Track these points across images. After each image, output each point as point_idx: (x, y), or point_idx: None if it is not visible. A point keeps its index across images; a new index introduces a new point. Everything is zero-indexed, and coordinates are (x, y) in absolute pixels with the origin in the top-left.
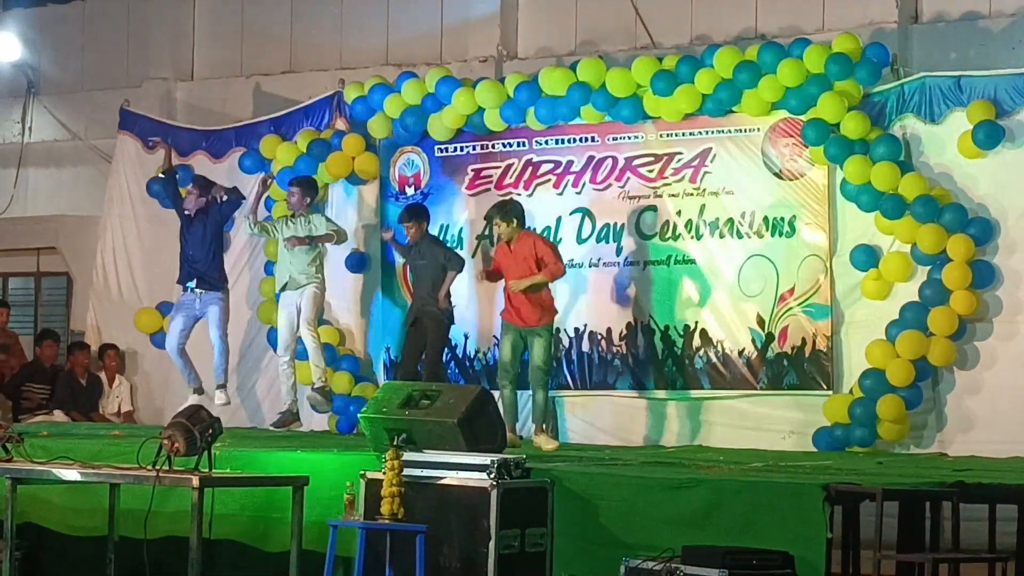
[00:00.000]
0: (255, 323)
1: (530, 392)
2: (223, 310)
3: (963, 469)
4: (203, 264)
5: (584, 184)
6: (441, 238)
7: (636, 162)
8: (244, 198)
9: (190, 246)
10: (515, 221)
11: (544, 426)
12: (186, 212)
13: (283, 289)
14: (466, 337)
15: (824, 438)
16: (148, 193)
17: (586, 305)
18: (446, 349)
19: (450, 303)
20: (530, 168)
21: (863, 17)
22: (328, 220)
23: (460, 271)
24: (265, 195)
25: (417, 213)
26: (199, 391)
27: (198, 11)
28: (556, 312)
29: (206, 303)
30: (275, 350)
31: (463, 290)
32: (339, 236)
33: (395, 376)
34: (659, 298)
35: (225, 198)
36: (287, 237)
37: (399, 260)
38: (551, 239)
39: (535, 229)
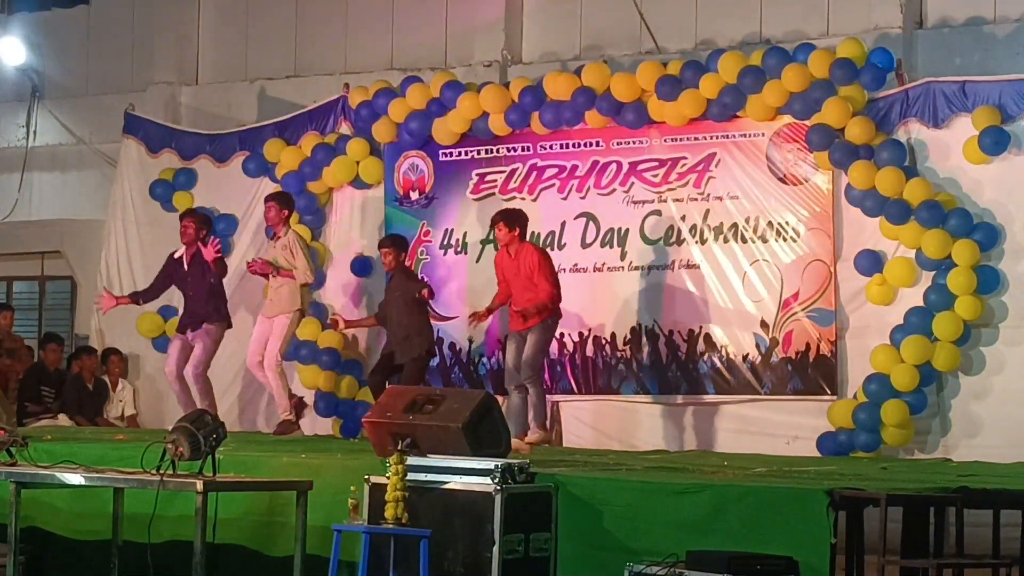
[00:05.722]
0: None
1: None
2: (205, 348)
3: (967, 474)
4: (203, 306)
5: (588, 189)
6: (445, 243)
7: (641, 167)
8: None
9: (192, 290)
10: (518, 230)
11: (538, 423)
12: (177, 256)
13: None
14: (470, 342)
15: (828, 443)
16: (151, 197)
17: (590, 310)
18: (449, 355)
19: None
20: (535, 173)
21: (868, 22)
22: (305, 249)
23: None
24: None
25: (395, 241)
26: None
27: (202, 15)
28: (558, 314)
29: (195, 336)
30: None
31: (466, 297)
32: (301, 273)
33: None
34: (663, 303)
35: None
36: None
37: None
38: (555, 244)
39: (539, 234)
